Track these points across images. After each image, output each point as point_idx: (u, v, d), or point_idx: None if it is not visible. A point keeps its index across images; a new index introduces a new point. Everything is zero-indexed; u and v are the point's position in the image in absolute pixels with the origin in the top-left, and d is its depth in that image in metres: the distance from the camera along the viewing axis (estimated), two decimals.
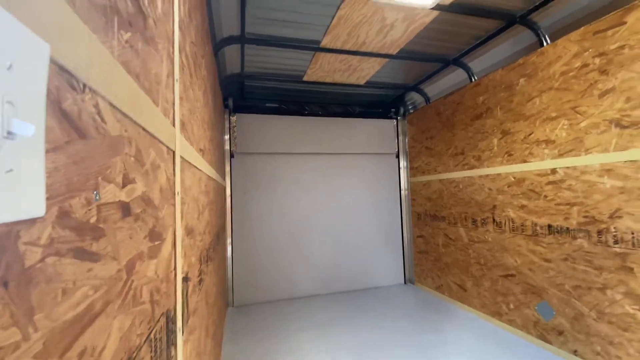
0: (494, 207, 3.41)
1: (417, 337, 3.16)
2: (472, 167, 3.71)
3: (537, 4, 2.66)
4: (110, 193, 0.52)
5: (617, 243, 2.31)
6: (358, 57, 3.44)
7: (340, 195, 4.88)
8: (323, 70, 3.79)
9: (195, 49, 1.56)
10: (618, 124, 2.31)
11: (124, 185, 0.58)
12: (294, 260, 4.60)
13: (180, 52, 1.14)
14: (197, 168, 1.53)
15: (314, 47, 3.20)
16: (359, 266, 4.88)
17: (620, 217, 2.30)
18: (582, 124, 2.55)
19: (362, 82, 4.22)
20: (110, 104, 0.52)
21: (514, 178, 3.16)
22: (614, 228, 2.33)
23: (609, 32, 2.36)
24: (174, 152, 0.96)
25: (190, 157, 1.30)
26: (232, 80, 4.03)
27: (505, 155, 3.26)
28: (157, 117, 0.77)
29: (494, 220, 3.42)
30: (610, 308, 2.35)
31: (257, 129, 4.56)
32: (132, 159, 0.62)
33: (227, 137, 4.42)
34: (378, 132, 5.09)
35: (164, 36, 0.88)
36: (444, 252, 4.24)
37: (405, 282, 5.09)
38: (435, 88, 4.43)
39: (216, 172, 2.86)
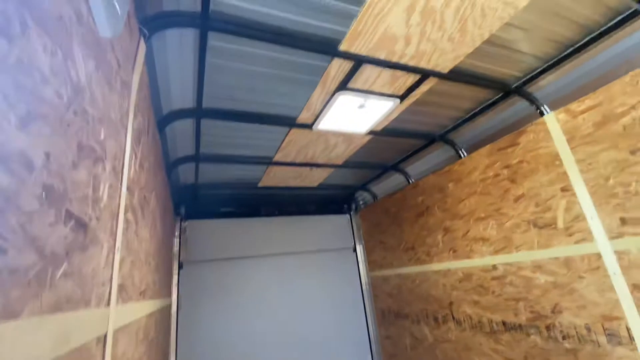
0: (451, 303, 3.47)
1: None
2: (424, 262, 3.86)
3: (450, 127, 3.25)
4: None
5: (565, 339, 2.42)
6: (308, 167, 3.74)
7: (300, 298, 4.65)
8: (277, 178, 4.02)
9: (144, 193, 1.60)
10: (535, 224, 2.66)
11: None
12: None
13: (125, 212, 1.16)
14: (134, 321, 1.40)
15: (267, 162, 3.44)
16: None
17: (560, 311, 2.46)
18: (507, 224, 2.89)
19: (315, 184, 4.50)
20: None
21: (462, 274, 3.33)
22: (559, 323, 2.46)
23: (509, 149, 2.90)
24: (105, 336, 0.89)
25: (127, 316, 1.20)
26: (185, 189, 4.05)
27: (451, 252, 3.48)
28: (89, 319, 0.74)
29: (453, 317, 3.43)
30: None
31: (210, 235, 4.43)
32: None
33: (176, 247, 4.20)
34: (333, 227, 5.23)
35: (107, 227, 0.90)
36: (412, 355, 4.03)
37: None
38: (381, 187, 4.86)
39: (160, 295, 2.62)
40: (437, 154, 3.75)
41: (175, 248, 4.19)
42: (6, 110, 0.39)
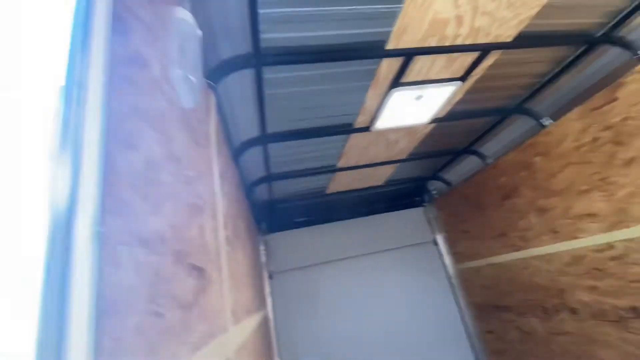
0: (562, 290, 3.07)
1: None
2: (520, 248, 3.50)
3: (526, 96, 2.90)
4: None
5: None
6: (370, 168, 3.72)
7: (387, 297, 4.62)
8: (343, 183, 4.09)
9: (234, 221, 1.80)
10: None
11: None
12: None
13: (226, 246, 1.33)
14: (246, 338, 1.58)
15: (332, 170, 3.53)
16: None
17: None
18: (620, 194, 2.45)
19: (381, 182, 4.45)
20: None
21: (570, 257, 2.92)
22: None
23: (606, 108, 2.47)
24: None
25: (241, 336, 1.37)
26: (262, 206, 4.39)
27: (551, 233, 3.09)
28: (217, 350, 0.87)
29: (566, 306, 3.03)
30: None
31: (290, 244, 4.70)
32: None
33: (263, 259, 4.56)
34: (408, 222, 5.08)
35: (215, 264, 1.05)
36: (523, 350, 3.67)
37: None
38: (455, 173, 4.56)
39: (259, 308, 2.88)
40: (514, 128, 3.38)
41: (263, 259, 4.55)
42: (140, 202, 0.51)
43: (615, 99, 2.41)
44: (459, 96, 2.65)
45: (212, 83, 1.53)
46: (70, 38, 0.46)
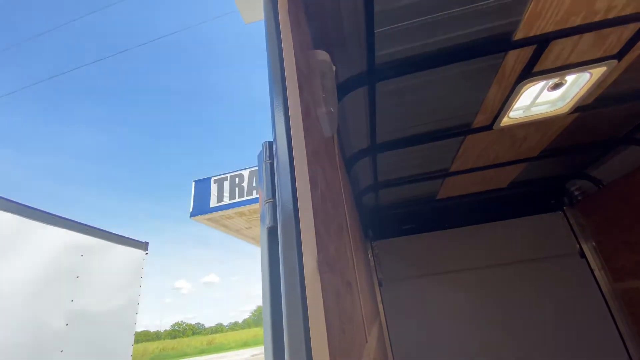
0: None
1: None
2: None
3: None
4: None
5: None
6: (491, 169, 3.32)
7: (515, 315, 4.01)
8: (456, 187, 3.77)
9: (354, 232, 1.88)
10: None
11: None
12: None
13: (355, 257, 1.40)
14: (373, 346, 1.62)
15: (443, 174, 3.31)
16: None
17: None
18: None
19: (504, 185, 3.92)
20: None
21: None
22: None
23: None
24: None
25: (372, 345, 1.41)
26: (369, 213, 4.42)
27: None
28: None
29: None
30: None
31: (398, 252, 4.58)
32: None
33: (372, 264, 4.57)
34: (542, 229, 4.30)
35: (353, 277, 1.13)
36: None
37: None
38: (607, 169, 3.66)
39: (375, 317, 2.90)
40: None
41: (372, 266, 4.57)
42: (325, 233, 0.60)
43: None
44: (613, 77, 2.14)
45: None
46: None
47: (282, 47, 0.68)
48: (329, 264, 0.58)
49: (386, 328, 4.25)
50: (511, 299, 4.11)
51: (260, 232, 0.59)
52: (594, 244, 4.06)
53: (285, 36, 0.71)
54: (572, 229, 4.25)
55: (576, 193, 4.27)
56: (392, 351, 4.13)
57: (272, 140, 0.59)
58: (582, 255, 4.14)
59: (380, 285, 4.51)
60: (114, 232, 4.60)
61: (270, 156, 0.63)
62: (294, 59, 0.71)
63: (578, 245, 4.17)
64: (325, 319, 0.46)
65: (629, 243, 3.48)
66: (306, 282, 0.44)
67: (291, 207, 0.48)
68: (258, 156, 0.71)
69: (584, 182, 4.02)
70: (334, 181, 1.03)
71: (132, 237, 4.95)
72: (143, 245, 5.11)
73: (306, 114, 0.71)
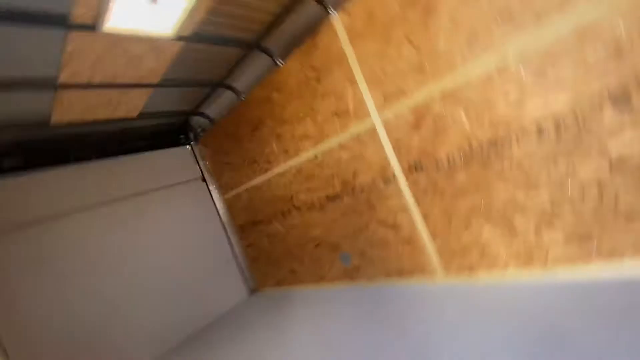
0: (291, 196, 4.09)
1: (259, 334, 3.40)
2: (266, 170, 4.28)
3: (263, 33, 3.37)
4: None
5: (362, 192, 3.33)
6: (116, 90, 3.23)
7: (155, 241, 4.42)
8: (77, 109, 3.31)
9: None
10: (336, 114, 3.30)
11: None
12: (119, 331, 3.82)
13: None
14: None
15: (52, 85, 2.76)
16: (199, 303, 4.61)
17: (357, 175, 3.32)
18: (319, 119, 3.47)
19: (134, 114, 3.98)
20: None
21: (296, 170, 3.90)
22: (358, 183, 3.34)
23: (312, 53, 3.32)
24: None
25: None
26: None
27: (284, 154, 3.97)
28: None
29: (294, 206, 4.09)
30: (374, 235, 3.37)
31: (3, 197, 3.44)
32: None
33: None
34: (174, 161, 4.94)
35: None
36: (271, 250, 4.69)
37: (250, 294, 5.24)
38: (216, 109, 4.76)
39: None
40: (259, 64, 3.89)
41: None
42: None
43: (316, 47, 3.27)
44: (201, 15, 2.70)
45: None
46: None
47: None
48: None
49: None
50: (149, 225, 4.43)
51: None
52: (209, 167, 5.26)
53: None
54: (197, 160, 5.23)
55: (199, 130, 5.26)
56: None
57: None
58: (203, 179, 5.26)
59: None
60: None
61: None
62: None
63: (200, 172, 5.23)
64: None
65: (228, 164, 4.85)
66: None
67: None
68: None
69: (203, 119, 5.01)
70: None
71: None
72: None
73: None
